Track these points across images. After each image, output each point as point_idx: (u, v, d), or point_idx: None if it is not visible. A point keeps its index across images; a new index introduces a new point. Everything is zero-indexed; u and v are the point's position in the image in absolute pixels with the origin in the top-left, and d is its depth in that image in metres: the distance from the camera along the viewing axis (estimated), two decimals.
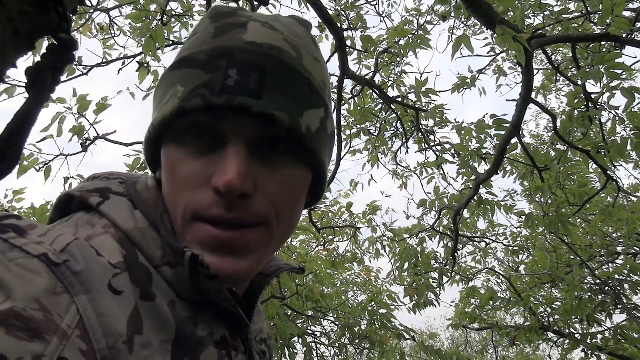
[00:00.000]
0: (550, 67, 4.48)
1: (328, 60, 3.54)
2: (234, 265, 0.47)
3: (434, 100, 4.21)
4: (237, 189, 0.44)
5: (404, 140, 4.51)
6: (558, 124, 3.51)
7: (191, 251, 0.45)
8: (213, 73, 0.47)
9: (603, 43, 3.35)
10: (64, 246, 0.41)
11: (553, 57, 5.00)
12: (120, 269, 0.43)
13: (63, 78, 0.61)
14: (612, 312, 4.87)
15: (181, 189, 0.48)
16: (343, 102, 3.82)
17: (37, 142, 2.91)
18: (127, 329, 0.40)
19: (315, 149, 0.51)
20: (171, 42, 3.37)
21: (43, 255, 0.38)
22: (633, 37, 2.96)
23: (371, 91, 4.24)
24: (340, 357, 4.58)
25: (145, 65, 3.17)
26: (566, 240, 4.73)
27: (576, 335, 4.95)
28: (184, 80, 0.48)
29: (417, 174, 4.96)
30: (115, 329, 0.39)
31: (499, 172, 3.68)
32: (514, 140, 3.41)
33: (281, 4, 3.65)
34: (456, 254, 4.91)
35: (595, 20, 3.56)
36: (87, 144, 2.94)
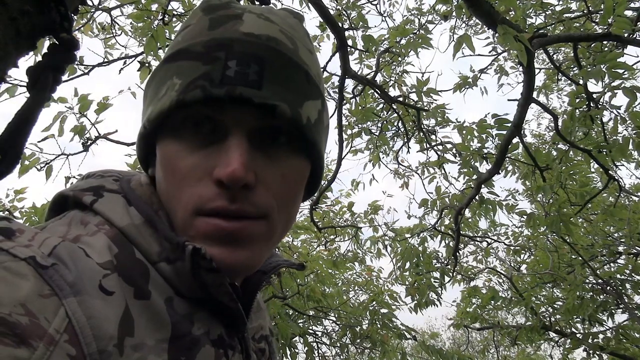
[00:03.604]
0: (552, 66, 4.47)
1: (329, 60, 3.54)
2: (236, 255, 0.46)
3: (435, 100, 4.22)
4: (241, 179, 0.44)
5: (405, 140, 4.51)
6: (559, 124, 3.50)
7: (192, 244, 0.44)
8: (212, 64, 0.46)
9: (604, 42, 3.35)
10: (51, 249, 0.40)
11: (554, 56, 4.99)
12: (110, 269, 0.42)
13: (64, 77, 0.61)
14: (613, 311, 4.86)
15: (181, 183, 0.47)
16: (344, 101, 3.82)
17: (38, 142, 2.90)
18: (118, 331, 0.39)
19: (314, 140, 0.51)
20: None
21: (30, 258, 0.37)
22: (635, 36, 2.95)
23: (372, 91, 4.24)
24: (342, 357, 4.58)
25: (147, 64, 3.17)
26: (568, 240, 4.72)
27: (578, 335, 4.93)
28: (181, 73, 0.47)
29: (418, 174, 4.95)
30: (106, 331, 0.38)
31: (500, 171, 3.68)
32: (516, 140, 3.41)
33: (282, 4, 3.65)
34: (457, 254, 4.90)
35: (597, 20, 3.55)
36: (88, 143, 2.94)
